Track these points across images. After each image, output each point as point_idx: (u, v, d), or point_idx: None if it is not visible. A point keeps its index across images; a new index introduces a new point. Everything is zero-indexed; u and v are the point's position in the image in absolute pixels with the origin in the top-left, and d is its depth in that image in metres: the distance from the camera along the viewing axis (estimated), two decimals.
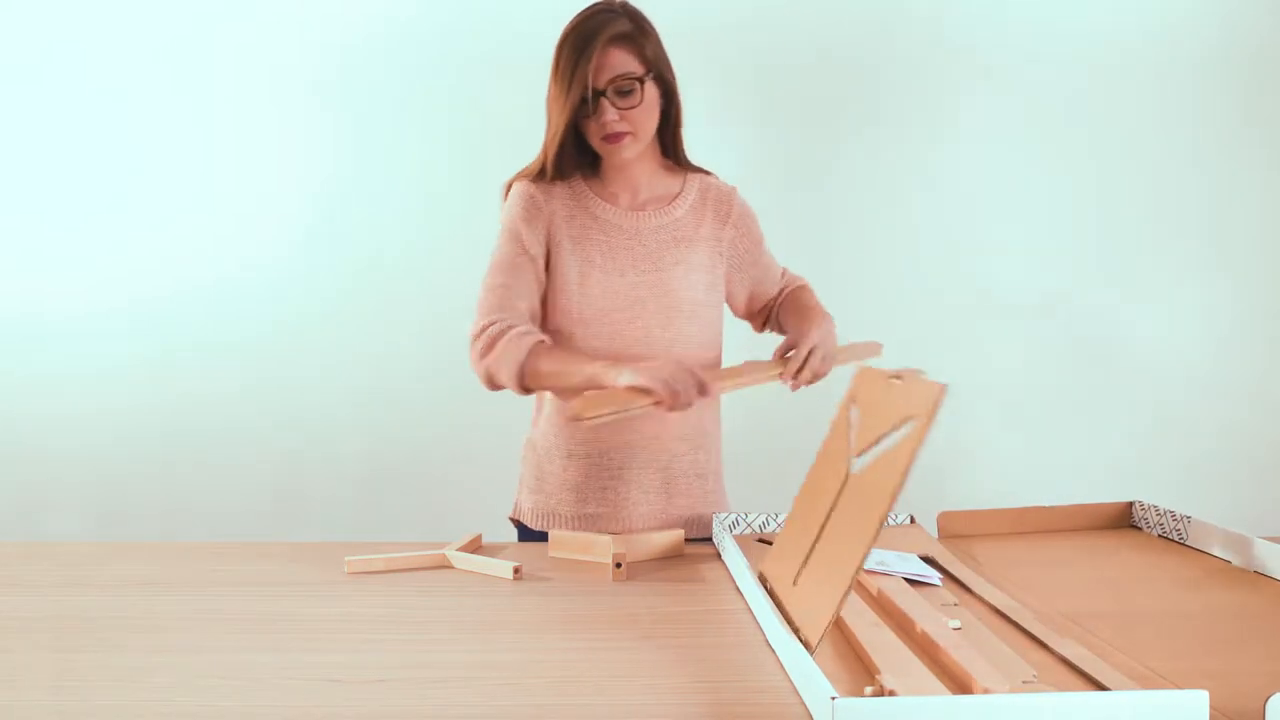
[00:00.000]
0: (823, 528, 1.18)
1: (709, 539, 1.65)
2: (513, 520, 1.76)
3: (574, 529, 1.65)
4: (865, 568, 1.31)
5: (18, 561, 1.51)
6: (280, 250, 2.62)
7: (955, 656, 1.01)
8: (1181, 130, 2.61)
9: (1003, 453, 2.63)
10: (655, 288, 1.63)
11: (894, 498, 1.03)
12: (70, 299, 2.62)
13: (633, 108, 1.55)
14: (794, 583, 1.18)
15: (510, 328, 1.54)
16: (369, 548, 1.53)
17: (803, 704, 0.95)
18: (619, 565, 1.41)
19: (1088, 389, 2.64)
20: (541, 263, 1.62)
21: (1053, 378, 2.64)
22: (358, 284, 2.62)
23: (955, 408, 2.79)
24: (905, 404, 1.11)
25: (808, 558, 1.17)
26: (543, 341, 1.53)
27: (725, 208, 1.71)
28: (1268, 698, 0.86)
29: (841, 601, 1.03)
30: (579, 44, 1.53)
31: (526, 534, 1.73)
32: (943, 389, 1.05)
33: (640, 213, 1.66)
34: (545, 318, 1.65)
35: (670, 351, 1.63)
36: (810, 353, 1.59)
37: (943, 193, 2.62)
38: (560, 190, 1.65)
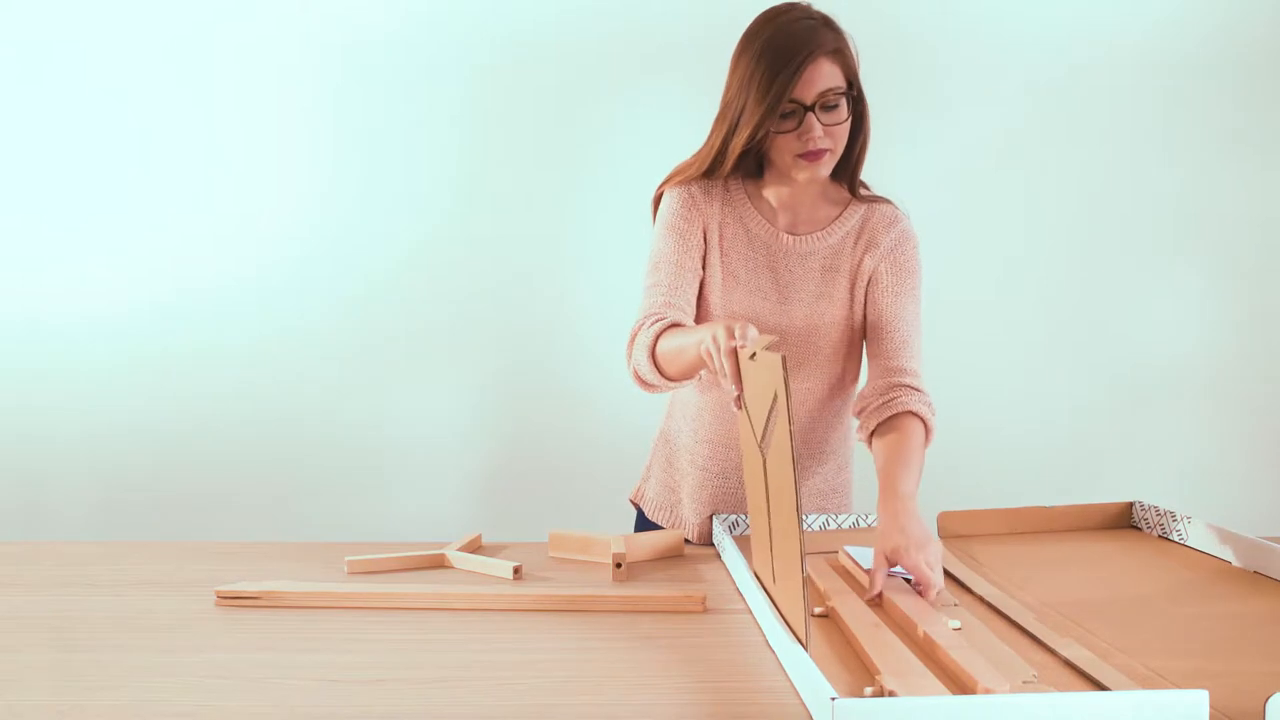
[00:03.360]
0: (769, 520, 1.18)
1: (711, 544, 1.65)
2: (633, 503, 1.77)
3: (690, 533, 1.66)
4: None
5: (18, 561, 1.51)
6: (281, 251, 2.61)
7: (955, 657, 1.01)
8: (1184, 130, 2.61)
9: (1002, 452, 2.63)
10: (794, 318, 1.58)
11: (795, 483, 1.03)
12: (70, 299, 2.61)
13: (839, 124, 1.47)
14: (774, 580, 1.18)
15: (648, 321, 1.51)
16: (369, 548, 1.53)
17: (803, 704, 0.95)
18: (619, 565, 1.41)
19: (1087, 389, 2.64)
20: (699, 258, 1.59)
21: (1052, 378, 2.64)
22: (360, 286, 2.62)
23: (955, 407, 2.79)
24: (768, 380, 1.12)
25: (772, 553, 1.18)
26: (673, 325, 1.48)
27: (879, 236, 1.59)
28: (1268, 698, 0.86)
29: (805, 605, 1.02)
30: (790, 52, 1.44)
31: (644, 521, 1.74)
32: (780, 359, 1.04)
33: (794, 236, 1.58)
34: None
35: (805, 387, 1.60)
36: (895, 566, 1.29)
37: (940, 192, 2.62)
38: (719, 194, 1.59)
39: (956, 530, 1.61)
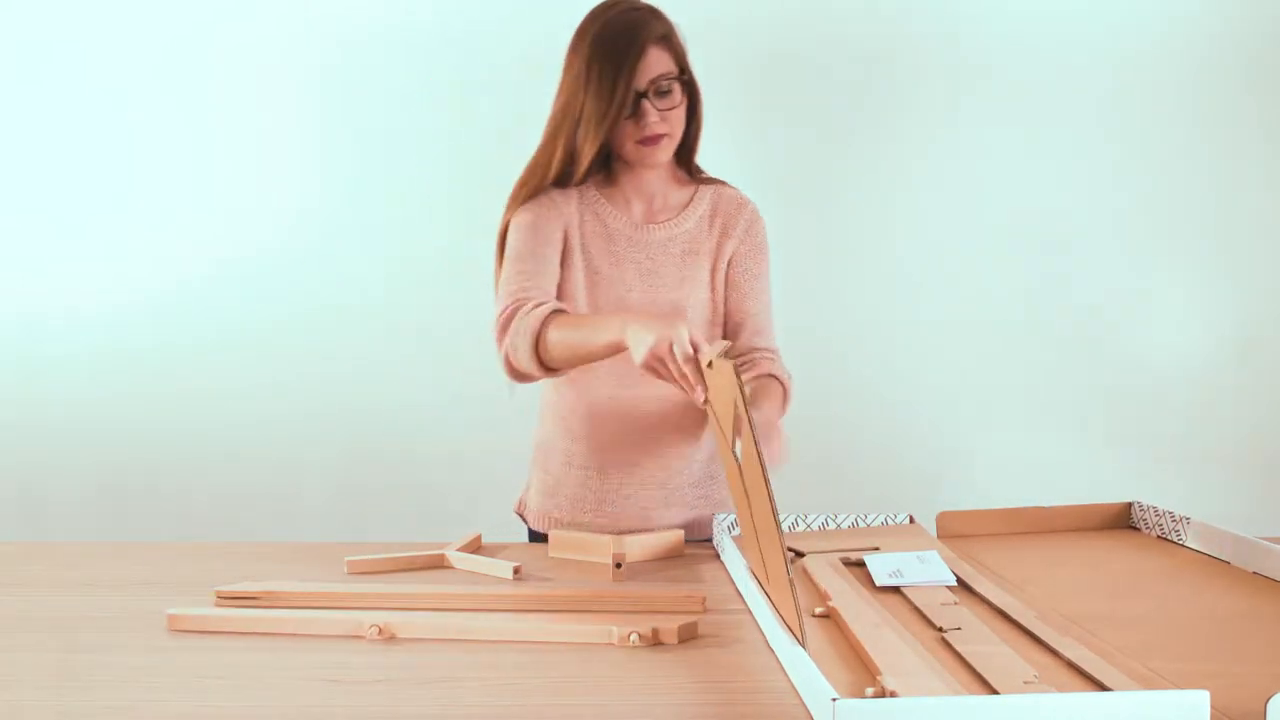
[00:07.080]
0: (753, 520, 1.19)
1: (708, 540, 1.65)
2: (518, 514, 1.76)
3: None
4: (879, 584, 1.31)
5: (18, 561, 1.51)
6: (283, 251, 2.61)
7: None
8: (1184, 129, 2.61)
9: (1002, 453, 2.63)
10: (661, 304, 1.59)
11: (768, 483, 1.04)
12: (69, 298, 2.61)
13: (672, 108, 1.52)
14: (767, 579, 1.18)
15: (524, 304, 1.47)
16: (369, 548, 1.53)
17: (803, 704, 0.95)
18: (619, 565, 1.41)
19: (1088, 389, 2.64)
20: (559, 255, 1.57)
21: (1053, 378, 2.64)
22: (357, 282, 2.61)
23: (955, 407, 2.77)
24: (727, 388, 1.14)
25: (762, 554, 1.18)
26: (559, 311, 1.44)
27: (734, 219, 1.64)
28: (1269, 698, 0.86)
29: (795, 603, 1.02)
30: (619, 44, 1.48)
31: (530, 533, 1.73)
32: (731, 365, 1.10)
33: (651, 225, 1.61)
34: None
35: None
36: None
37: (944, 192, 2.62)
38: (574, 196, 1.61)
39: (956, 530, 1.61)
